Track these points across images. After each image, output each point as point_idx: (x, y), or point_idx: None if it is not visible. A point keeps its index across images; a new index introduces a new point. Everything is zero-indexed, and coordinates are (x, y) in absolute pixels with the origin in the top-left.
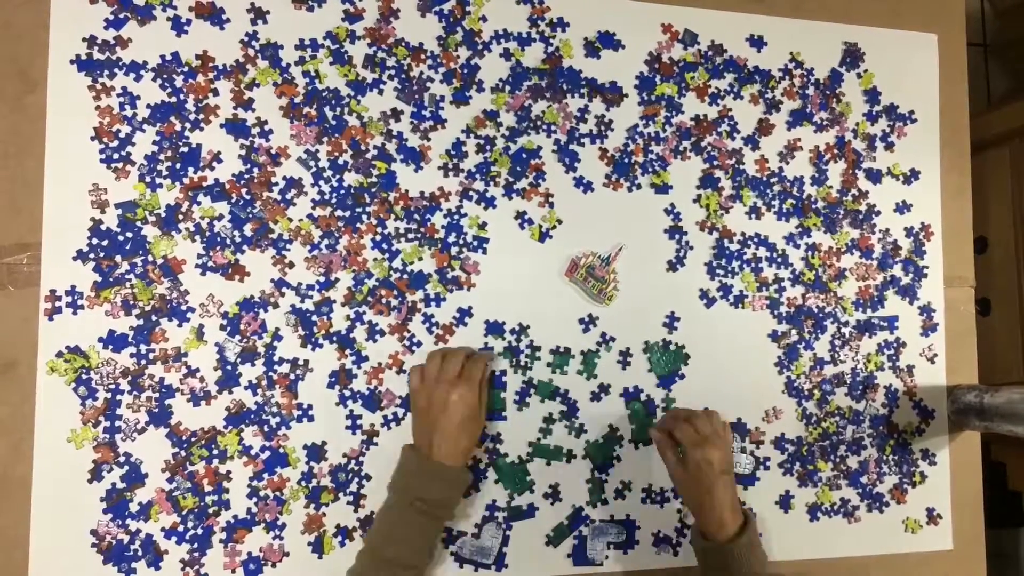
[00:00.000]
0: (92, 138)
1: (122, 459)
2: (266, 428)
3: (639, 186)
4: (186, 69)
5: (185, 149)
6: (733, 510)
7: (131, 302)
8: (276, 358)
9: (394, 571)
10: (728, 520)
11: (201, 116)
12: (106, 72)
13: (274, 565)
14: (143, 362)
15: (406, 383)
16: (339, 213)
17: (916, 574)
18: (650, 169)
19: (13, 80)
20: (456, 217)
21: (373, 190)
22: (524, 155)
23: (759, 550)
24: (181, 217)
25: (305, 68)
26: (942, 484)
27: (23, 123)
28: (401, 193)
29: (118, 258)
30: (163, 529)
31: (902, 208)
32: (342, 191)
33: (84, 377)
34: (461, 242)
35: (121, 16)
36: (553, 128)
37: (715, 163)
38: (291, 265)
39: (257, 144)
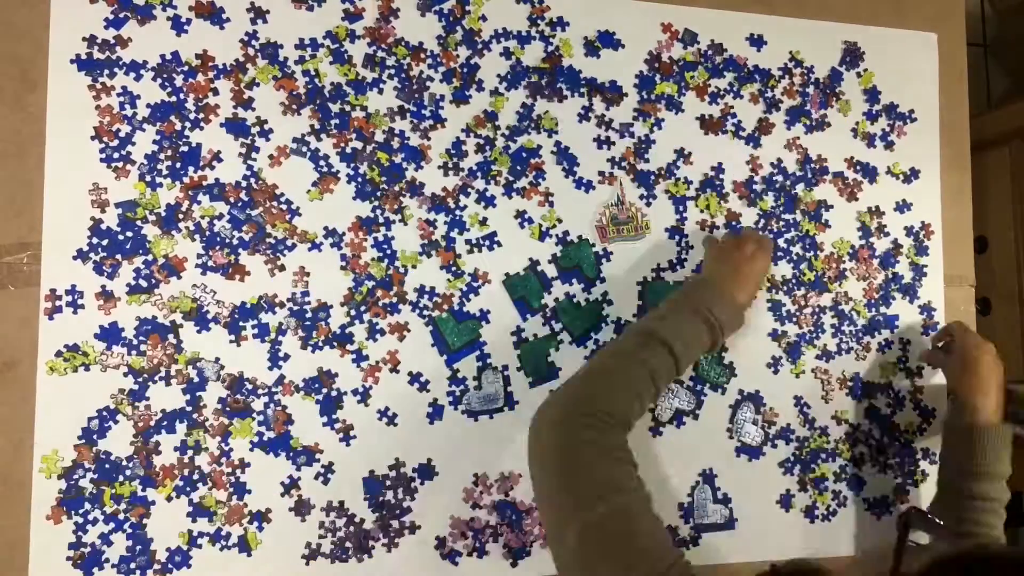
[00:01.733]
0: (92, 138)
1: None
2: (266, 427)
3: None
4: (186, 68)
5: (185, 148)
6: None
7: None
8: (281, 353)
9: (669, 360)
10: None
11: (201, 115)
12: (106, 72)
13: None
14: (143, 361)
15: (408, 383)
16: (339, 213)
17: None
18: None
19: (13, 80)
20: (457, 214)
21: (375, 191)
22: (524, 154)
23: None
24: (181, 216)
25: (305, 67)
26: None
27: (23, 123)
28: (404, 186)
29: (118, 256)
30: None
31: (902, 207)
32: (340, 192)
33: (84, 376)
34: (462, 239)
35: (121, 16)
36: (553, 130)
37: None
38: (286, 267)
39: (258, 144)
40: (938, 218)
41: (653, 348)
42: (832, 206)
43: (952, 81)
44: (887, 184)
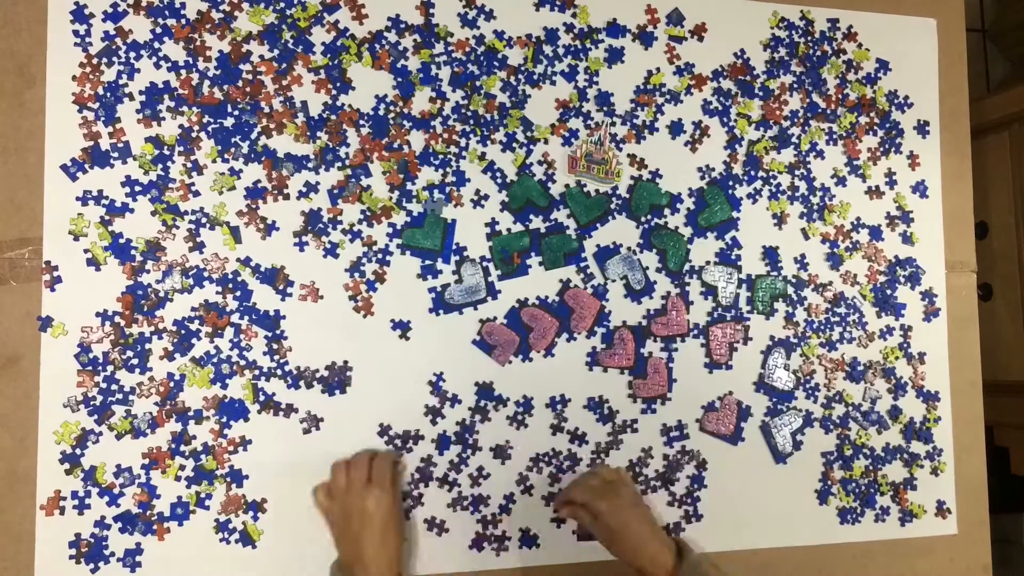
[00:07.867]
0: (91, 132)
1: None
2: (272, 408)
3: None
4: (186, 62)
5: (186, 142)
6: (659, 541)
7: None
8: (287, 347)
9: None
10: (657, 552)
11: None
12: (104, 64)
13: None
14: (148, 354)
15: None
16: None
17: (921, 559)
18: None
19: (12, 75)
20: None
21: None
22: (517, 139)
23: (708, 572)
24: (183, 209)
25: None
26: (946, 470)
27: (23, 118)
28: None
29: (119, 250)
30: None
31: (903, 193)
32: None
33: (88, 370)
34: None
35: (120, 9)
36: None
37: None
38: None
39: (262, 142)
40: (939, 204)
41: None
42: (834, 195)
43: (951, 66)
44: (887, 170)
